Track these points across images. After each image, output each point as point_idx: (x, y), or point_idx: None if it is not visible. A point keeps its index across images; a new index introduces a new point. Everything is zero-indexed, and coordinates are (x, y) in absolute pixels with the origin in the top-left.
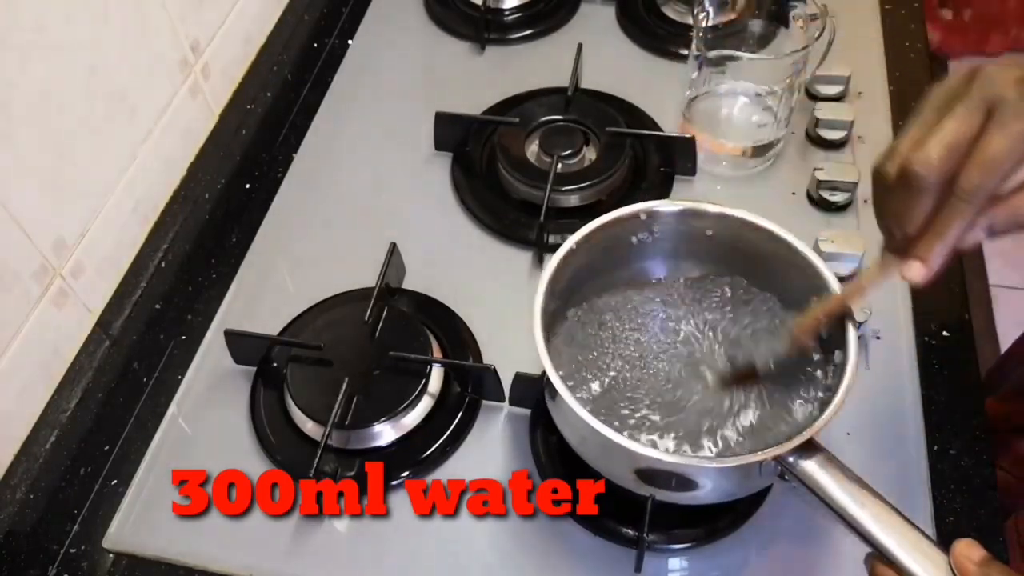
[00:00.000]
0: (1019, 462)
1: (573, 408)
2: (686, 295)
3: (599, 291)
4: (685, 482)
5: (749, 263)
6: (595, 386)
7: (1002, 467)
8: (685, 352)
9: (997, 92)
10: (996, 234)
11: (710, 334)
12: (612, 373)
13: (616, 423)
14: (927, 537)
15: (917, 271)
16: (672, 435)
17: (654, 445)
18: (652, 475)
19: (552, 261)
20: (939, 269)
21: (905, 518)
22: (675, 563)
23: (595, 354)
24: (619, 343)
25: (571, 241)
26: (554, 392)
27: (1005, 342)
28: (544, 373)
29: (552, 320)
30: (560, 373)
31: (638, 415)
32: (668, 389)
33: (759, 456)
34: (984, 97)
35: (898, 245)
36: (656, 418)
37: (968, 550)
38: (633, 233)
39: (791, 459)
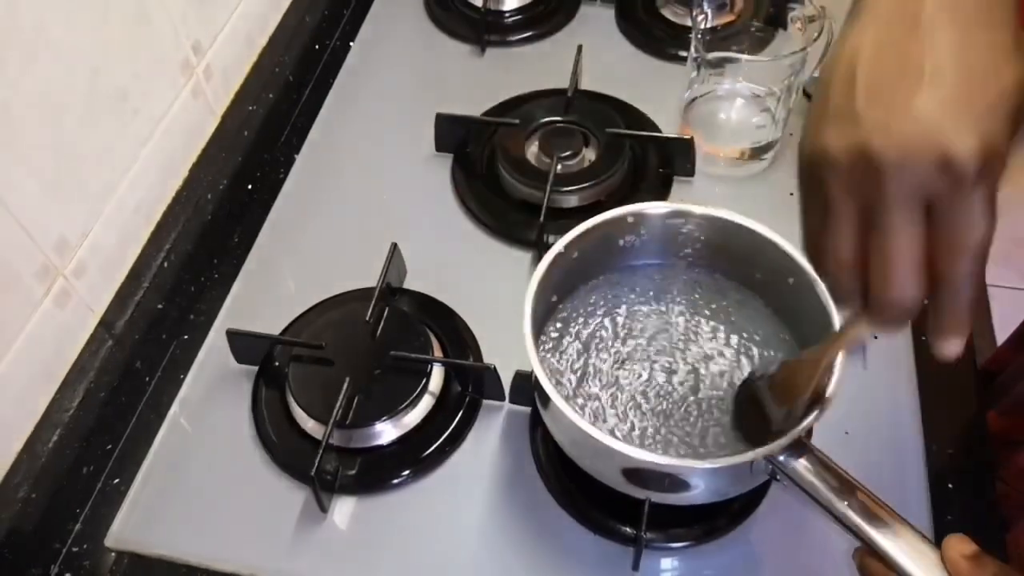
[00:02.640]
0: (1020, 475)
1: (563, 411)
2: (676, 296)
3: (590, 293)
4: (677, 483)
5: (737, 264)
6: (588, 387)
7: (1002, 479)
8: (673, 353)
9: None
10: None
11: (701, 334)
12: (603, 373)
13: (607, 425)
14: (917, 532)
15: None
16: (662, 435)
17: (643, 445)
18: (643, 477)
19: (541, 266)
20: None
21: (895, 513)
22: (674, 562)
23: (587, 355)
24: (610, 344)
25: (559, 245)
26: (545, 397)
27: (1003, 342)
28: (533, 375)
29: (543, 322)
30: (549, 375)
31: (629, 416)
32: (657, 390)
33: (749, 456)
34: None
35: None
36: (645, 418)
37: (960, 545)
38: (621, 235)
39: (781, 458)
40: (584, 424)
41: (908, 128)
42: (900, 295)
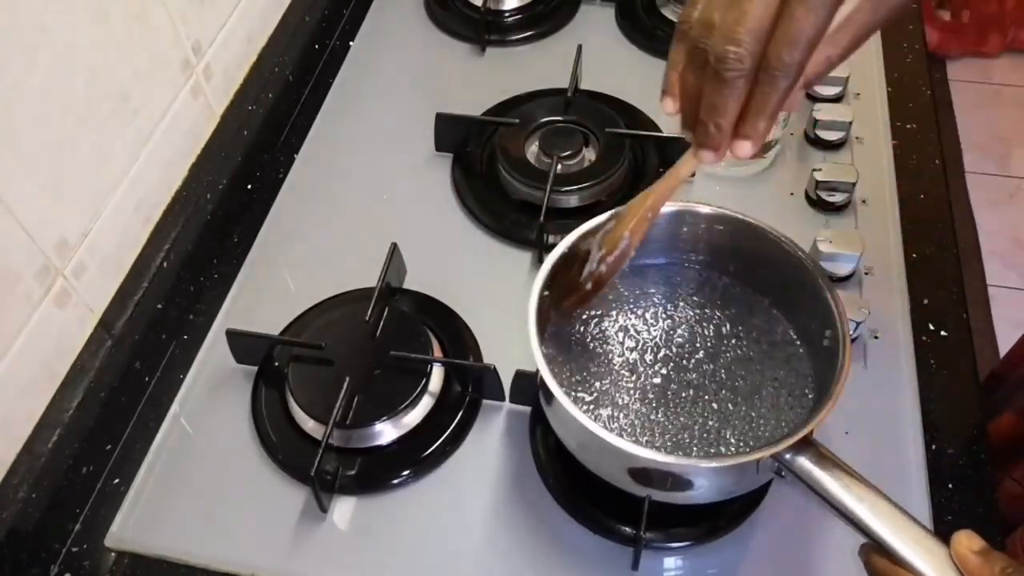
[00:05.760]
0: None
1: (568, 410)
2: (680, 295)
3: None
4: (682, 482)
5: (743, 262)
6: (592, 385)
7: (1013, 478)
8: (678, 351)
9: None
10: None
11: (703, 333)
12: (606, 372)
13: (611, 423)
14: (926, 530)
15: (748, 149)
16: (670, 434)
17: (647, 444)
18: (649, 476)
19: (545, 266)
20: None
21: (904, 511)
22: (674, 561)
23: (590, 354)
24: (613, 343)
25: (564, 244)
26: (549, 395)
27: (1003, 342)
28: (538, 373)
29: (547, 322)
30: (554, 373)
31: (633, 415)
32: (661, 389)
33: (756, 455)
34: None
35: (718, 137)
36: (649, 417)
37: (969, 541)
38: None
39: (788, 456)
40: (590, 423)
41: None
42: (736, 46)
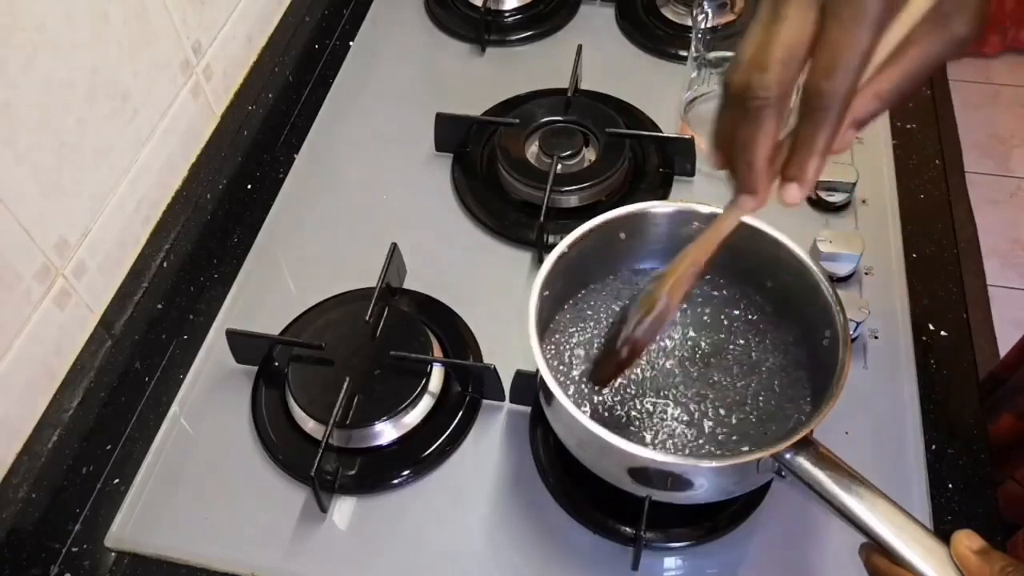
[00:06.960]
0: None
1: (568, 410)
2: None
3: (593, 293)
4: (682, 482)
5: (742, 262)
6: (591, 385)
7: (1015, 479)
8: (676, 350)
9: None
10: (863, 124)
11: (701, 333)
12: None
13: (610, 423)
14: (926, 529)
15: (794, 193)
16: (663, 433)
17: (646, 443)
18: (648, 475)
19: (545, 266)
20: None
21: (904, 511)
22: (674, 561)
23: (590, 354)
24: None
25: (563, 244)
26: (549, 395)
27: (1003, 342)
28: (538, 373)
29: (547, 321)
30: (554, 374)
31: (633, 415)
32: (661, 389)
33: (757, 455)
34: None
35: (751, 177)
36: (649, 417)
37: (969, 540)
38: (625, 235)
39: (788, 456)
40: (590, 423)
41: None
42: (760, 71)
